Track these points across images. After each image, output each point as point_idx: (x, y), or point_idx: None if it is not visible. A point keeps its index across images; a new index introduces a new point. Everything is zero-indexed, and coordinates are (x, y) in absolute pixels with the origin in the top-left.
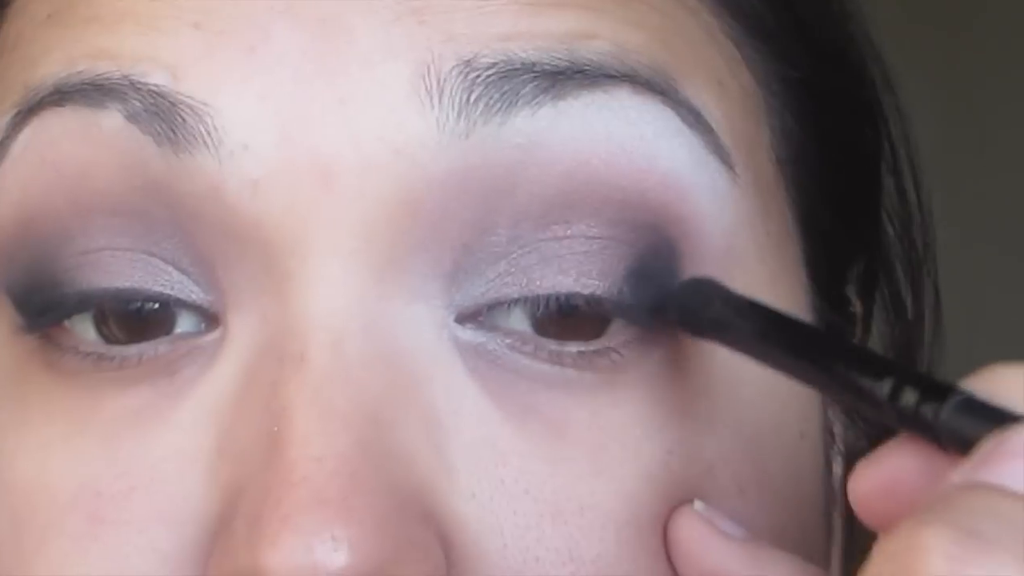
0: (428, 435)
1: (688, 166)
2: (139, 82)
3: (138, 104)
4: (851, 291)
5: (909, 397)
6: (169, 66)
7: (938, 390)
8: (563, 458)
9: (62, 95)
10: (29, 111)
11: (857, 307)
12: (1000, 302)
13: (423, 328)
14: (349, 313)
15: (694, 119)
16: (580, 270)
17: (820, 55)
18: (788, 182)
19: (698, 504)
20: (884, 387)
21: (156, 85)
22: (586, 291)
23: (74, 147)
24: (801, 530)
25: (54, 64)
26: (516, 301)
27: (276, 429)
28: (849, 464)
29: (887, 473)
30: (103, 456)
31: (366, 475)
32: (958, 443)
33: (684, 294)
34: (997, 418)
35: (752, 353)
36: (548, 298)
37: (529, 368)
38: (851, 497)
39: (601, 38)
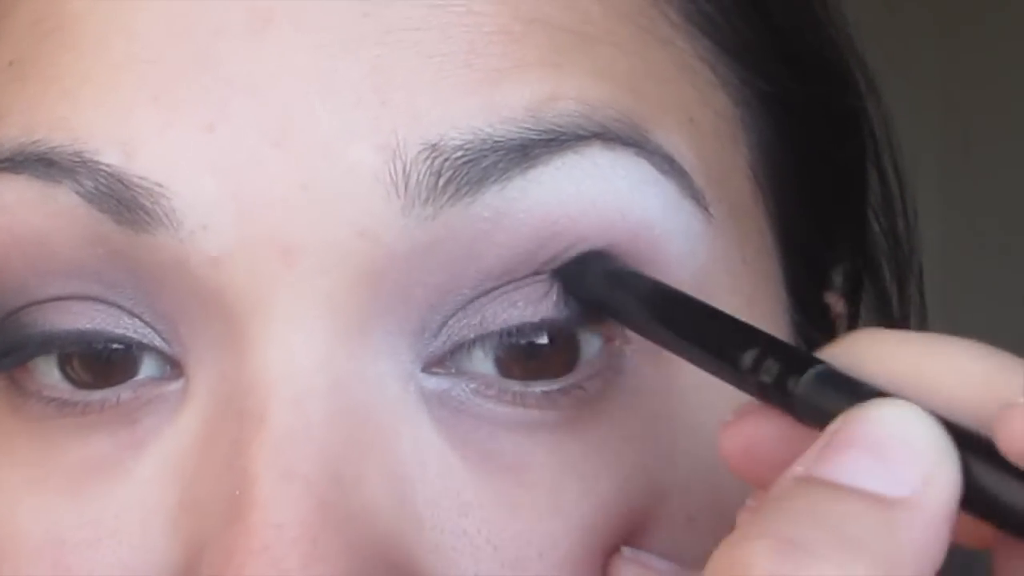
0: (393, 490)
1: (661, 214)
2: (91, 160)
3: (91, 184)
4: (834, 294)
5: (771, 368)
6: (123, 143)
7: (799, 361)
8: (523, 503)
9: (16, 164)
10: None
11: (841, 308)
12: (985, 300)
13: (389, 383)
14: (313, 372)
15: (668, 165)
16: (528, 300)
17: (799, 65)
18: (767, 198)
19: (625, 550)
20: (747, 358)
21: (108, 165)
22: (536, 318)
23: (30, 216)
24: None
25: (12, 127)
26: (474, 341)
27: (238, 492)
28: None
29: (747, 436)
30: (67, 505)
31: (328, 539)
32: (815, 418)
33: (569, 268)
34: (856, 392)
35: (626, 323)
36: (501, 333)
37: (492, 412)
38: (720, 452)
39: (566, 98)
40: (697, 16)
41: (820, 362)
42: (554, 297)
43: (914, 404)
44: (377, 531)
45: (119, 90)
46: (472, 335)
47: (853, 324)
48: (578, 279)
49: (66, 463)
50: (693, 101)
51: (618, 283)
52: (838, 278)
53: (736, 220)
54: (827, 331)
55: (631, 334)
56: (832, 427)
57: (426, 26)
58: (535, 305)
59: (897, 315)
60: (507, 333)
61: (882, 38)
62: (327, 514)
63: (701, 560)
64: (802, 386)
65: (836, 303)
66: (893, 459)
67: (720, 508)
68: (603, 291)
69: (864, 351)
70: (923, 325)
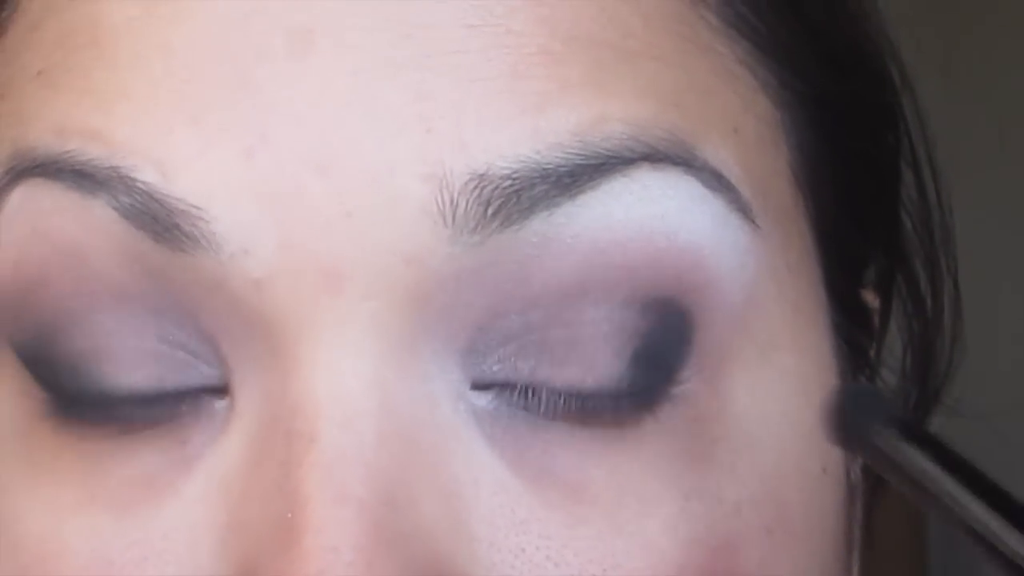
0: (447, 509)
1: (710, 232)
2: (128, 177)
3: (127, 201)
4: (869, 291)
5: None
6: (160, 163)
7: None
8: (582, 520)
9: (52, 172)
10: (19, 173)
11: (875, 303)
12: (1019, 296)
13: (439, 402)
14: (362, 392)
15: (716, 181)
16: (583, 356)
17: (835, 63)
18: (806, 199)
19: None
20: None
21: (145, 183)
22: (587, 384)
23: (67, 225)
24: (823, 568)
25: (45, 132)
26: (526, 387)
27: (289, 515)
28: (865, 469)
29: None
30: (114, 524)
31: (383, 562)
32: None
33: (847, 409)
34: None
35: (914, 490)
36: (556, 390)
37: (544, 428)
38: None
39: (613, 119)
40: (735, 18)
41: None
42: (624, 370)
43: None
44: (432, 552)
45: (157, 108)
46: (525, 381)
47: (885, 319)
48: (855, 426)
49: (111, 481)
50: (736, 109)
51: (904, 438)
52: (872, 274)
53: (780, 226)
54: (864, 329)
55: (684, 373)
56: None
57: (465, 49)
58: (599, 370)
59: (931, 311)
60: (558, 391)
61: (914, 34)
62: (381, 536)
63: (778, 573)
64: None
65: (872, 299)
66: None
67: (786, 522)
68: (888, 447)
69: None
70: (958, 320)
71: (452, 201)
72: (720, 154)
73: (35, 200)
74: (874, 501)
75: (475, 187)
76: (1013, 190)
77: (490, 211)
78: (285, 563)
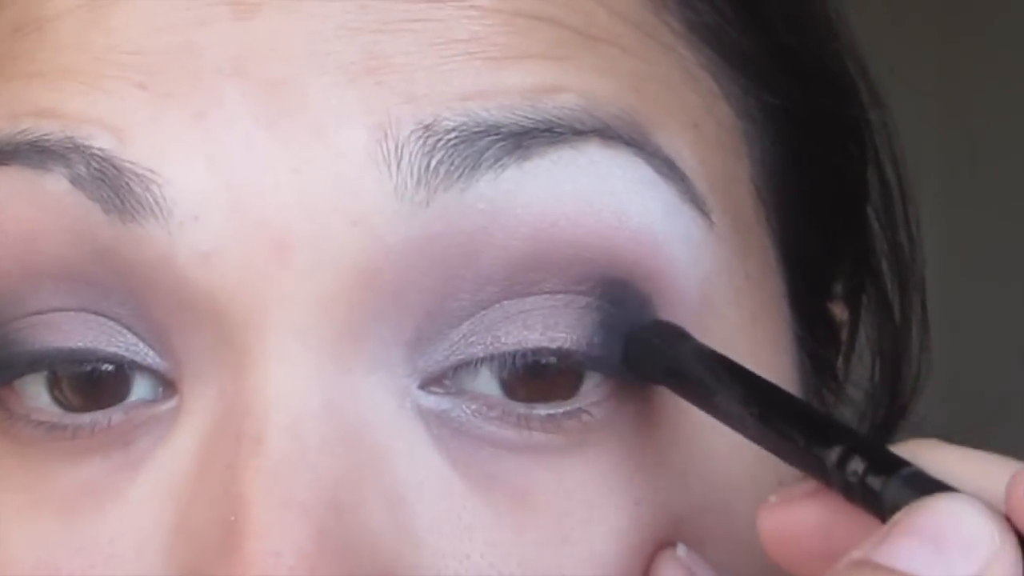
0: (392, 514)
1: (661, 219)
2: (83, 145)
3: (82, 168)
4: (836, 303)
5: (857, 467)
6: (114, 129)
7: (887, 463)
8: (528, 527)
9: (5, 155)
10: None
11: (843, 314)
12: (987, 307)
13: (384, 399)
14: (307, 391)
15: (668, 169)
16: (546, 323)
17: (802, 77)
18: (769, 211)
19: (681, 549)
20: (832, 454)
21: (100, 149)
22: (554, 344)
23: (20, 209)
24: None
25: None
26: (482, 360)
27: (233, 518)
28: None
29: (788, 522)
30: (60, 531)
31: (325, 567)
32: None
33: (641, 337)
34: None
35: (700, 404)
36: (515, 355)
37: (495, 435)
38: (760, 534)
39: (568, 91)
40: (699, 26)
41: (907, 464)
42: (580, 328)
43: (977, 499)
44: (377, 558)
45: (105, 80)
46: (482, 354)
47: (853, 331)
48: (645, 345)
49: (58, 487)
50: (697, 108)
51: (692, 358)
52: (840, 286)
53: (739, 232)
54: (830, 343)
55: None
56: (895, 517)
57: (428, 18)
58: (552, 331)
59: (898, 322)
60: (520, 355)
61: (884, 47)
62: (325, 542)
63: None
64: (893, 486)
65: (839, 311)
66: (951, 549)
67: (731, 531)
68: (677, 362)
69: (927, 461)
70: (925, 332)
71: (397, 150)
72: (675, 143)
73: None
74: None
75: (420, 137)
76: (981, 204)
77: (434, 162)
78: (227, 567)
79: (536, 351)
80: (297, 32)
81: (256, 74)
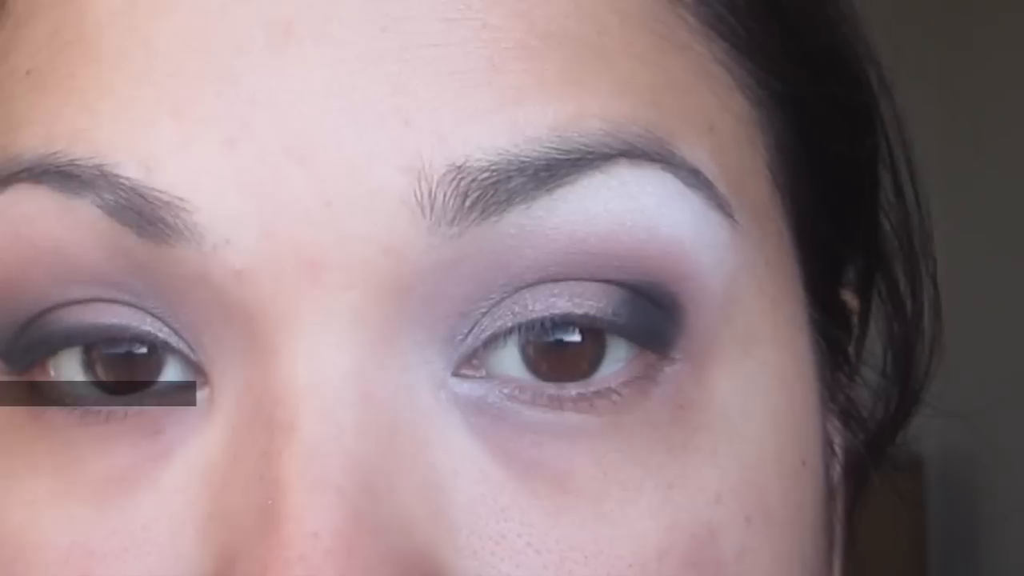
0: (427, 499)
1: (690, 228)
2: (111, 174)
3: (111, 198)
4: (848, 291)
5: None
6: (143, 157)
7: None
8: (565, 509)
9: (37, 174)
10: (6, 179)
11: (855, 304)
12: (999, 298)
13: (421, 390)
14: (342, 381)
15: (694, 179)
16: (573, 292)
17: (813, 64)
18: (784, 197)
19: None
20: None
21: (128, 179)
22: (579, 311)
23: (50, 227)
24: (802, 559)
25: (32, 137)
26: (510, 331)
27: (270, 502)
28: (847, 470)
29: None
30: (92, 516)
31: (363, 549)
32: None
33: None
34: None
35: None
36: (542, 320)
37: (532, 419)
38: None
39: (591, 116)
40: (712, 18)
41: None
42: (607, 300)
43: None
44: (412, 539)
45: (139, 104)
46: (510, 323)
47: (864, 320)
48: None
49: (89, 474)
50: (713, 107)
51: None
52: (851, 274)
53: (758, 223)
54: (845, 328)
55: (674, 352)
56: None
57: (444, 42)
58: (579, 299)
59: (909, 311)
60: (548, 321)
61: (890, 37)
62: (361, 523)
63: (758, 563)
64: None
65: (850, 299)
66: None
67: (769, 512)
68: None
69: None
70: (936, 320)
71: (430, 193)
72: (696, 152)
73: (19, 205)
74: (856, 503)
75: (453, 179)
76: (986, 194)
77: (468, 203)
78: (265, 549)
79: (564, 316)
80: (325, 61)
81: (287, 107)
